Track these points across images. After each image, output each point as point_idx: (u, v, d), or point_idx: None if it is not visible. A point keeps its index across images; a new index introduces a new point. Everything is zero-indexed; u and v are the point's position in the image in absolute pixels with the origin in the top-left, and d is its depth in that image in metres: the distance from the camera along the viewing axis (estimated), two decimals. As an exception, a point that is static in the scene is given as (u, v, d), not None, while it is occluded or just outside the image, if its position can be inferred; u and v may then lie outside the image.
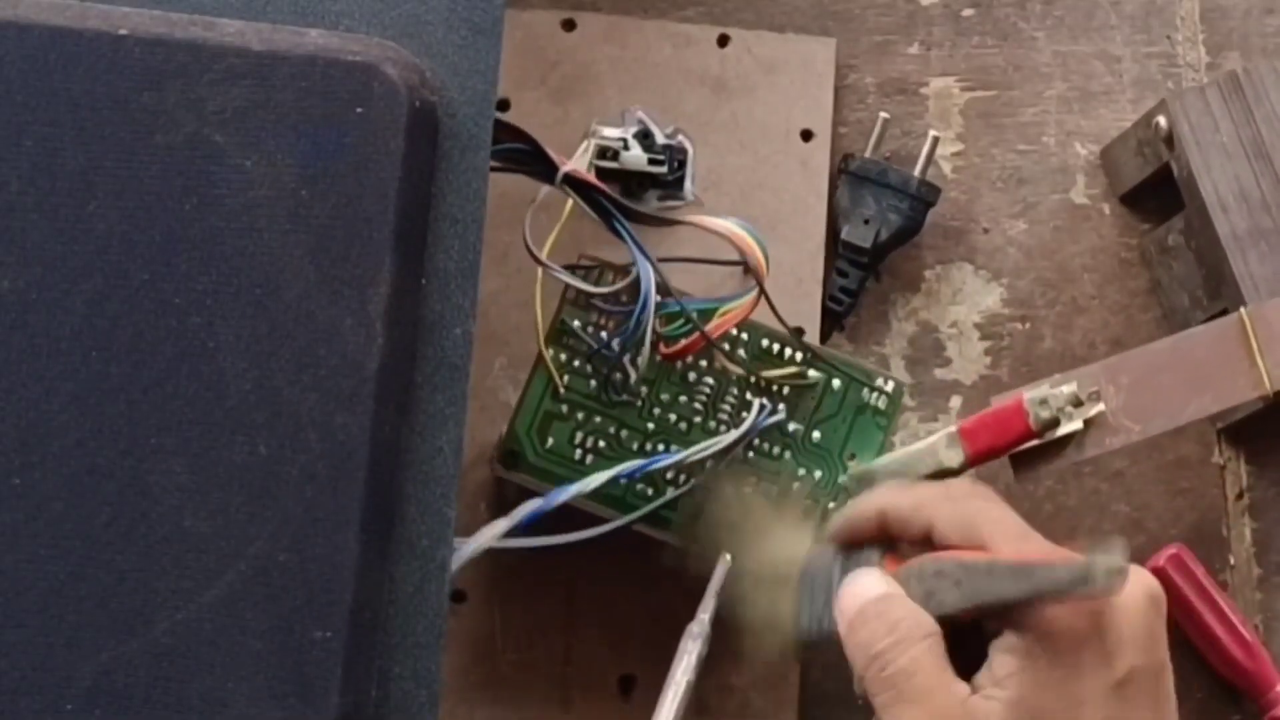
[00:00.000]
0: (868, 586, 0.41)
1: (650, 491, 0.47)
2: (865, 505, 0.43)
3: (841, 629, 0.40)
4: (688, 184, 0.54)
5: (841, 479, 0.48)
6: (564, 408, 0.47)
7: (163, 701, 0.33)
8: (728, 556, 0.47)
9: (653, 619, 0.51)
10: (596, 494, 0.47)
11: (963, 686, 0.38)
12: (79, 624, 0.33)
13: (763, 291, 0.46)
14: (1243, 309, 0.50)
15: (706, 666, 0.48)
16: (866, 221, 0.54)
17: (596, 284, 0.47)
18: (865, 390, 0.48)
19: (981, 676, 0.39)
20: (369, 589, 0.35)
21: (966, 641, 0.39)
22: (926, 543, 0.41)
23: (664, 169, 0.53)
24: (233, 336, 0.34)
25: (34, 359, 0.34)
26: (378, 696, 0.35)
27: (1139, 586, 0.39)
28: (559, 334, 0.47)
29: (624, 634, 0.51)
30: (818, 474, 0.48)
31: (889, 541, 0.42)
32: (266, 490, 0.34)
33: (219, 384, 0.34)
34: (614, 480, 0.46)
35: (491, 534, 0.44)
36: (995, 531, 0.40)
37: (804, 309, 0.53)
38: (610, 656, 0.51)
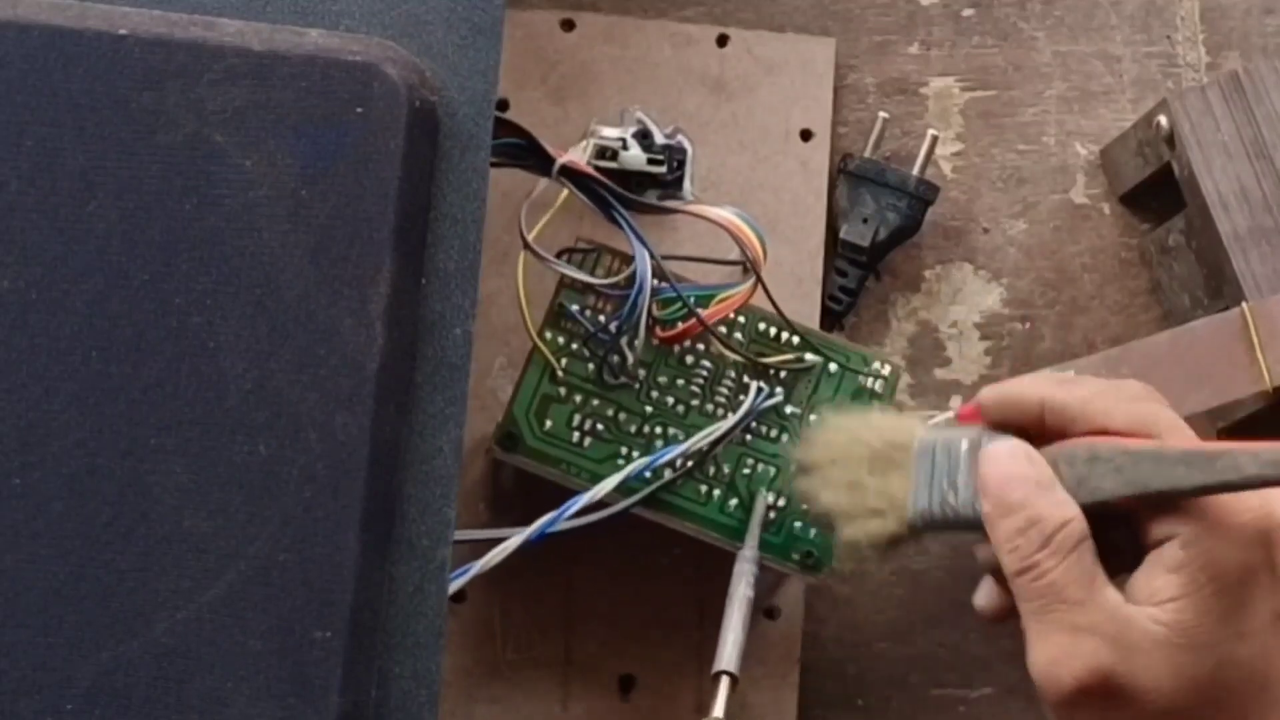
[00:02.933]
0: (1015, 463, 0.39)
1: (649, 474, 0.47)
2: (1023, 390, 0.40)
3: (986, 507, 0.39)
4: (687, 184, 0.54)
5: None
6: (562, 390, 0.48)
7: (163, 701, 0.33)
8: (765, 492, 0.47)
9: (653, 619, 0.51)
10: (596, 478, 0.47)
11: (1115, 595, 0.37)
12: (79, 624, 0.33)
13: (759, 280, 0.46)
14: (1244, 304, 0.50)
15: (705, 665, 0.48)
16: (865, 220, 0.54)
17: (594, 268, 0.47)
18: (861, 374, 0.49)
19: (1140, 585, 0.37)
20: (369, 589, 0.35)
21: (1113, 534, 0.38)
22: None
23: (663, 169, 0.53)
24: (233, 336, 0.34)
25: (34, 359, 0.34)
26: (378, 696, 0.35)
27: None
28: (557, 317, 0.48)
29: (624, 634, 0.51)
30: None
31: (1032, 436, 0.40)
32: (266, 490, 0.34)
33: (219, 384, 0.34)
34: (624, 481, 0.46)
35: (504, 550, 0.44)
36: (1172, 437, 0.38)
37: (804, 309, 0.53)
38: (610, 656, 0.51)
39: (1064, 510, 0.38)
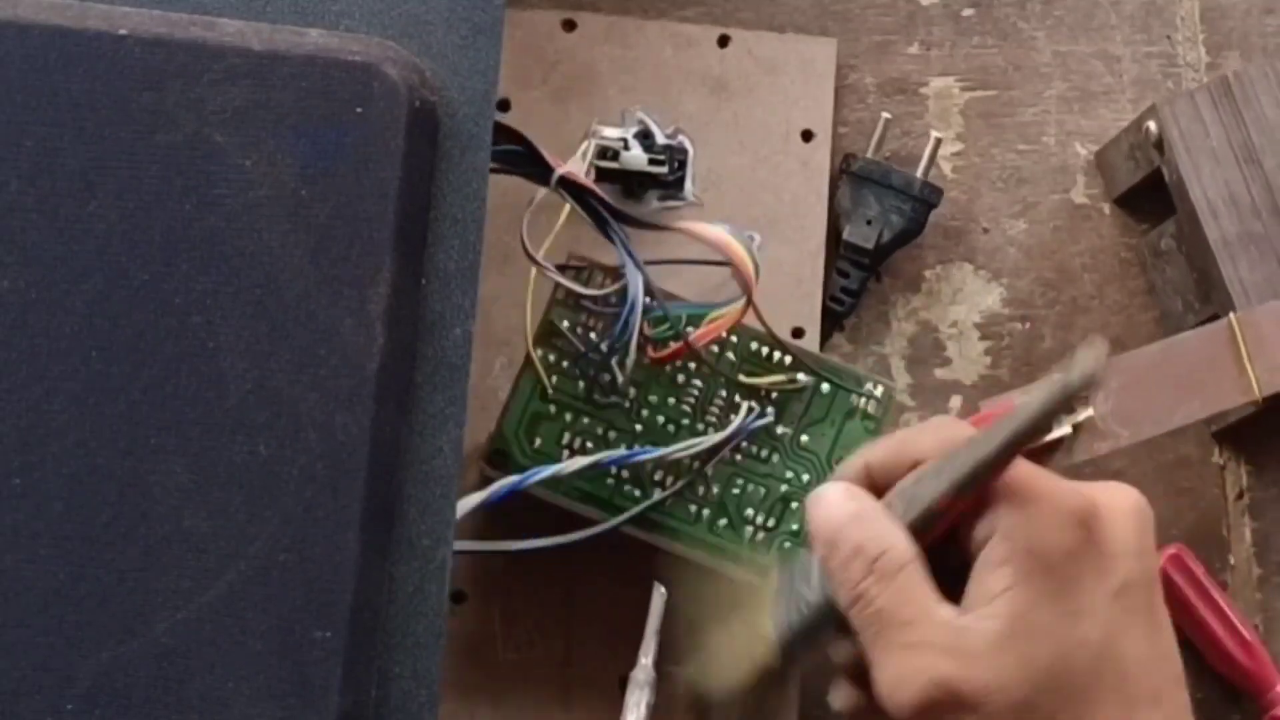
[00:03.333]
0: (838, 504, 0.39)
1: (638, 493, 0.47)
2: (846, 465, 0.41)
3: (817, 550, 0.39)
4: (688, 184, 0.54)
5: None
6: (552, 408, 0.47)
7: (163, 701, 0.33)
8: (662, 589, 0.46)
9: (653, 619, 0.51)
10: (584, 495, 0.47)
11: (949, 609, 0.37)
12: (79, 624, 0.33)
13: (750, 301, 0.46)
14: (1232, 315, 0.50)
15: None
16: (869, 222, 0.54)
17: (585, 285, 0.47)
18: (854, 395, 0.48)
19: (971, 593, 0.37)
20: (369, 589, 0.35)
21: (949, 561, 0.38)
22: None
23: (664, 169, 0.53)
24: (233, 336, 0.34)
25: (34, 359, 0.34)
26: (378, 696, 0.35)
27: (1126, 497, 0.38)
28: (547, 334, 0.47)
29: (624, 634, 0.51)
30: (805, 477, 0.48)
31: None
32: (266, 490, 0.34)
33: (219, 384, 0.34)
34: (598, 471, 0.46)
35: (465, 507, 0.44)
36: None
37: (804, 309, 0.53)
38: (610, 656, 0.51)
39: (886, 538, 0.38)
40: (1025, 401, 0.37)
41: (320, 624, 0.34)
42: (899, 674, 0.37)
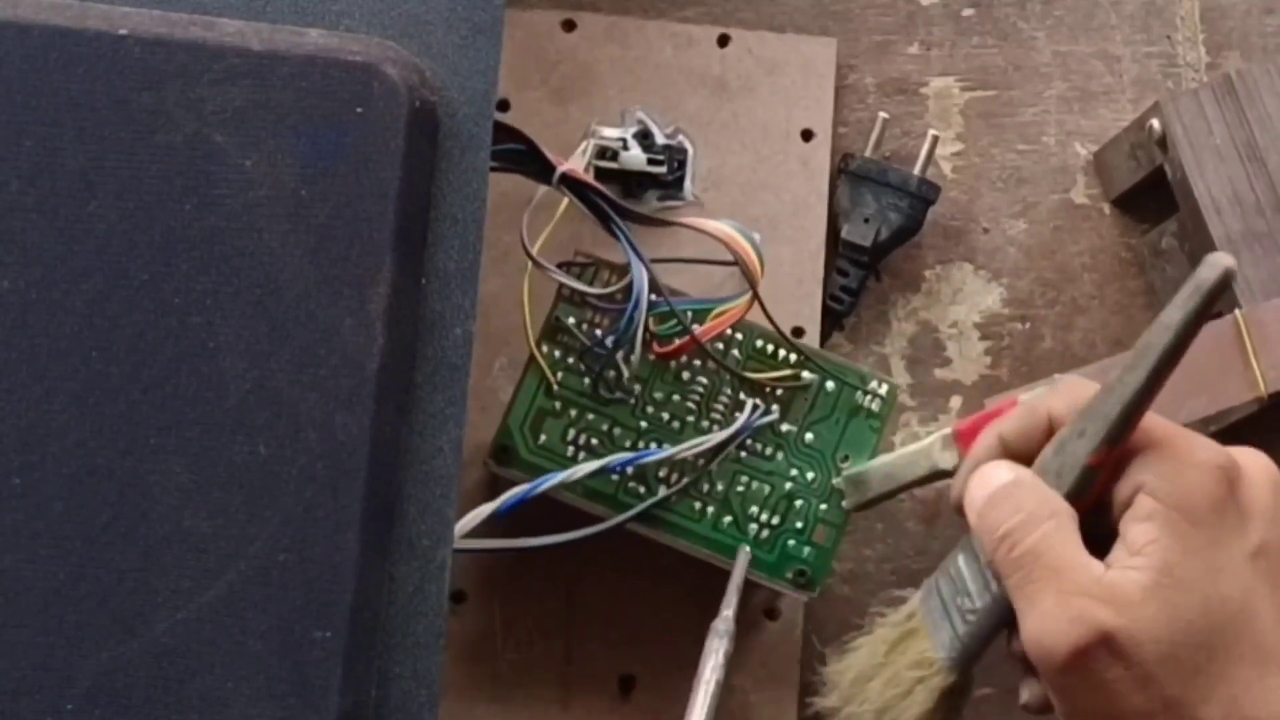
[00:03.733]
0: (994, 474, 0.40)
1: (643, 490, 0.47)
2: (982, 444, 0.41)
3: (971, 520, 0.40)
4: (688, 184, 0.54)
5: (834, 481, 0.48)
6: (557, 404, 0.47)
7: (163, 701, 0.33)
8: (746, 549, 0.47)
9: (653, 619, 0.51)
10: (590, 492, 0.47)
11: (1097, 564, 0.37)
12: (79, 624, 0.33)
13: (756, 295, 0.46)
14: (1237, 311, 0.50)
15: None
16: (867, 220, 0.54)
17: (591, 282, 0.47)
18: (859, 393, 0.48)
19: (1116, 551, 0.38)
20: (369, 589, 0.35)
21: (1101, 527, 0.39)
22: None
23: (664, 169, 0.53)
24: (233, 336, 0.34)
25: (34, 359, 0.34)
26: (378, 696, 0.35)
27: (1264, 460, 0.39)
28: (553, 330, 0.47)
29: (624, 634, 0.51)
30: (810, 475, 0.48)
31: None
32: (266, 490, 0.34)
33: (219, 384, 0.34)
34: (604, 473, 0.46)
35: (475, 519, 0.44)
36: None
37: (804, 309, 0.53)
38: (610, 656, 0.51)
39: (1040, 490, 0.39)
40: (1163, 320, 0.37)
41: (320, 624, 0.34)
42: (1051, 619, 0.37)
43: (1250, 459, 0.39)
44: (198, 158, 0.35)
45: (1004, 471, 0.40)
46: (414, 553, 0.36)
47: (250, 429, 0.34)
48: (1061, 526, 0.38)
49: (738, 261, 0.46)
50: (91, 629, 0.33)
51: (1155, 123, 0.53)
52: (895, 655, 0.42)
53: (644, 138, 0.53)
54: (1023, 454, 0.40)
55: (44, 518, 0.34)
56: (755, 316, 0.48)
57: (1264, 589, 0.37)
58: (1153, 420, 0.39)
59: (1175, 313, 0.37)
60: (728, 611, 0.46)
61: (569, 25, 0.55)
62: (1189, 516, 0.37)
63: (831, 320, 0.55)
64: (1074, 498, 0.39)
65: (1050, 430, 0.40)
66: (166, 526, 0.34)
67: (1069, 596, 0.37)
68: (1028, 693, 0.40)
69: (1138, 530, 0.37)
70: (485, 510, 0.45)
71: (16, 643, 0.33)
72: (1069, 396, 0.40)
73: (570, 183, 0.45)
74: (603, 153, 0.51)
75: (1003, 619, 0.40)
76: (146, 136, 0.35)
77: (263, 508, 0.34)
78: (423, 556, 0.36)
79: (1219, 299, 0.37)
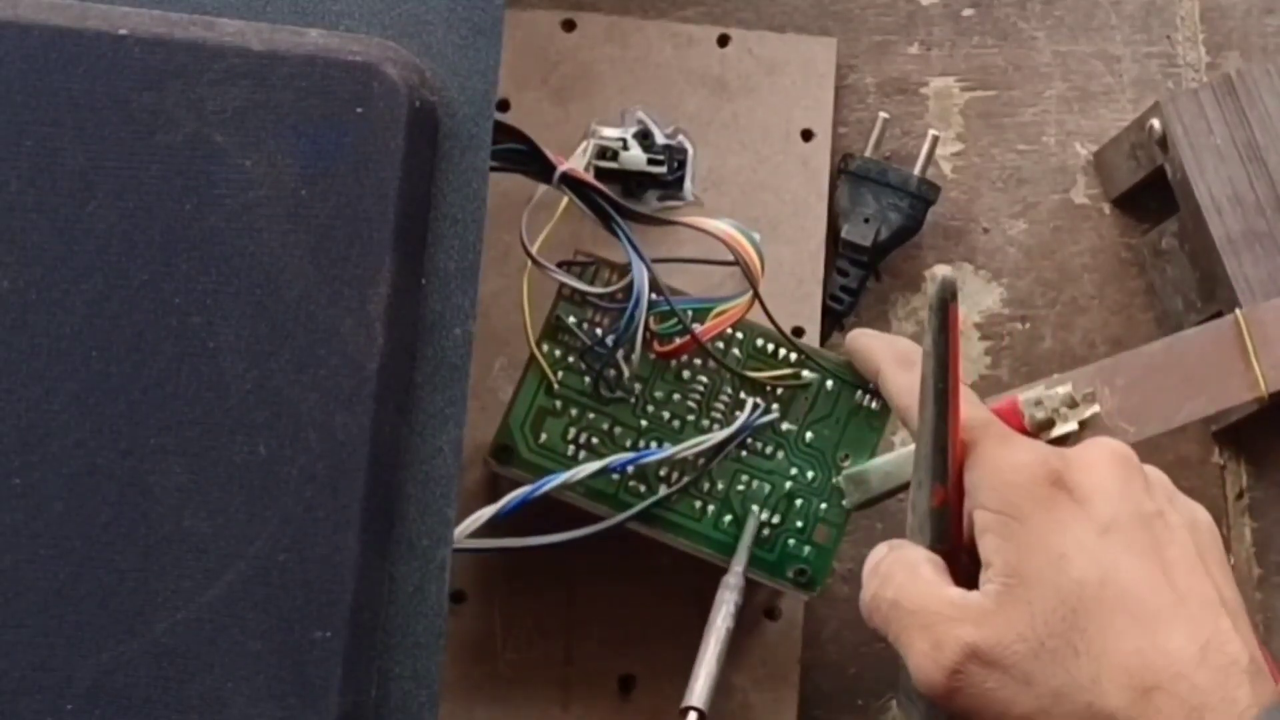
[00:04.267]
0: (873, 556, 0.42)
1: (643, 489, 0.47)
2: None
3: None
4: (688, 184, 0.54)
5: (835, 480, 0.48)
6: (557, 403, 0.47)
7: (163, 701, 0.33)
8: (757, 509, 0.47)
9: (653, 619, 0.51)
10: (590, 492, 0.47)
11: (954, 590, 0.39)
12: (79, 624, 0.33)
13: (756, 294, 0.46)
14: (1238, 310, 0.50)
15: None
16: (866, 220, 0.54)
17: (592, 281, 0.47)
18: (859, 392, 0.48)
19: (980, 575, 0.39)
20: (369, 589, 0.35)
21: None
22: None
23: (664, 169, 0.53)
24: (233, 336, 0.34)
25: (34, 359, 0.34)
26: (378, 696, 0.35)
27: (1100, 447, 0.40)
28: (554, 329, 0.47)
29: (624, 634, 0.51)
30: (810, 474, 0.48)
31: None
32: (266, 490, 0.34)
33: (219, 384, 0.34)
34: (604, 473, 0.46)
35: (476, 521, 0.44)
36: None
37: (804, 309, 0.53)
38: (610, 656, 0.51)
39: (902, 553, 0.41)
40: (924, 345, 0.39)
41: (320, 624, 0.34)
42: (923, 654, 0.38)
43: (1085, 448, 0.40)
44: (198, 158, 0.35)
45: (880, 549, 0.42)
46: (414, 553, 0.36)
47: (250, 429, 0.34)
48: (915, 573, 0.40)
49: (738, 261, 0.46)
50: (91, 629, 0.33)
51: (1155, 123, 0.53)
52: None
53: (644, 138, 0.53)
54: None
55: (44, 518, 0.34)
56: (756, 316, 0.48)
57: (1127, 559, 0.38)
58: (972, 434, 0.40)
59: (926, 337, 0.39)
60: (738, 567, 0.47)
61: (569, 25, 0.55)
62: (1017, 515, 0.39)
63: (831, 320, 0.55)
64: (940, 542, 0.40)
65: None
66: (166, 526, 0.34)
67: (930, 629, 0.38)
68: None
69: (983, 545, 0.39)
70: (486, 513, 0.45)
71: (16, 643, 0.33)
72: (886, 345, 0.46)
73: (571, 182, 0.45)
74: (603, 153, 0.51)
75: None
76: (146, 136, 0.35)
77: (263, 508, 0.34)
78: (423, 556, 0.36)
79: (951, 308, 0.39)
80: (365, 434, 0.34)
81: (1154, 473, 0.41)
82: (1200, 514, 0.40)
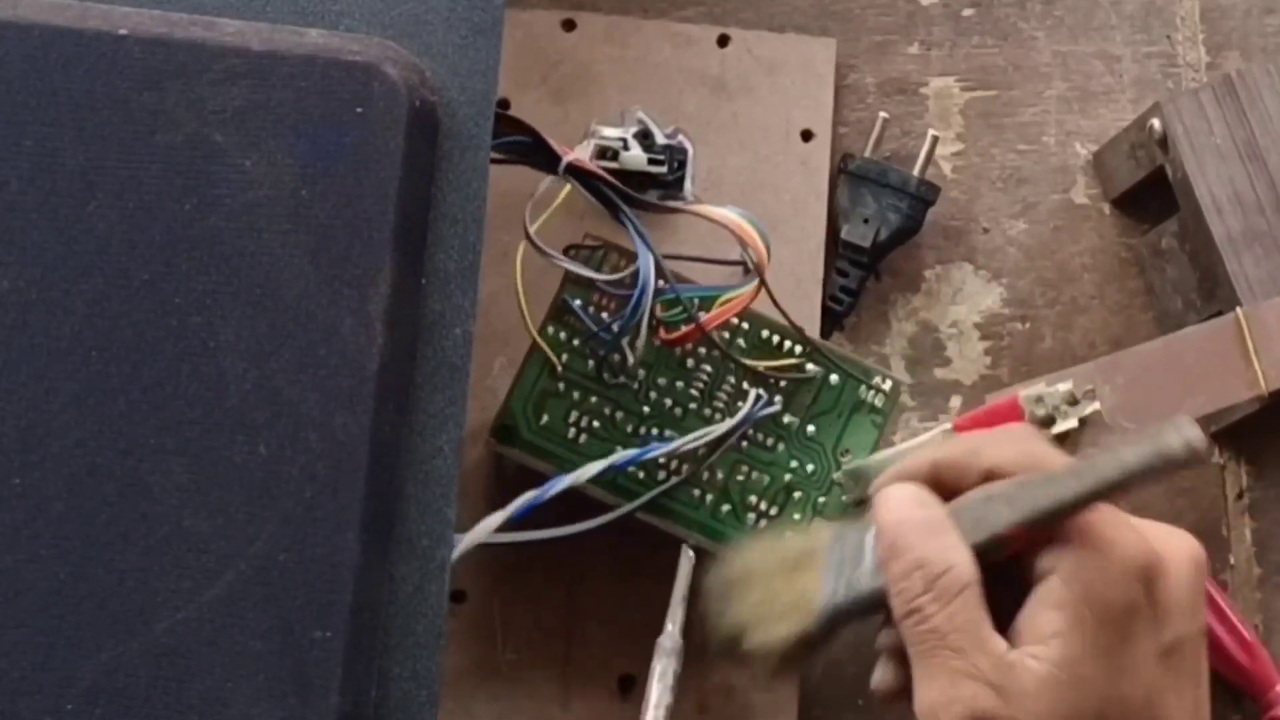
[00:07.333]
0: (907, 508, 0.39)
1: (643, 476, 0.47)
2: (915, 461, 0.40)
3: (879, 549, 0.39)
4: (687, 184, 0.54)
5: (835, 475, 0.48)
6: (561, 386, 0.48)
7: (163, 701, 0.33)
8: (690, 552, 0.46)
9: (653, 619, 0.51)
10: (593, 480, 0.47)
11: (1000, 642, 0.37)
12: (79, 624, 0.33)
13: (763, 282, 0.46)
14: (1239, 309, 0.50)
15: (705, 667, 0.48)
16: (866, 221, 0.54)
17: (600, 265, 0.47)
18: (863, 387, 0.48)
19: (1023, 625, 0.37)
20: (369, 589, 0.35)
21: (1006, 578, 0.38)
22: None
23: (664, 169, 0.53)
24: (233, 336, 0.34)
25: (34, 359, 0.34)
26: (378, 696, 0.35)
27: (1188, 548, 0.38)
28: (559, 312, 0.48)
29: (624, 634, 0.51)
30: (810, 467, 0.48)
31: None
32: (266, 490, 0.34)
33: (219, 384, 0.34)
34: (610, 470, 0.46)
35: (486, 528, 0.44)
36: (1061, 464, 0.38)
37: (804, 309, 0.53)
38: (610, 656, 0.51)
39: (950, 555, 0.37)
40: (1122, 457, 0.36)
41: (320, 624, 0.34)
42: (943, 695, 0.37)
43: (1175, 549, 0.38)
44: (198, 158, 0.35)
45: (914, 507, 0.39)
46: (414, 553, 0.36)
47: (250, 429, 0.34)
48: (968, 604, 0.37)
49: (744, 248, 0.46)
50: (91, 629, 0.33)
51: (1155, 123, 0.53)
52: (784, 578, 0.41)
53: (644, 138, 0.53)
54: (948, 488, 0.40)
55: (44, 518, 0.34)
56: (760, 307, 0.48)
57: (1174, 686, 0.37)
58: (1090, 513, 0.38)
59: (1132, 459, 0.36)
60: (672, 626, 0.44)
61: (569, 25, 0.55)
62: (1099, 615, 0.36)
63: (831, 320, 0.55)
64: (980, 554, 0.38)
65: (984, 477, 0.39)
66: (166, 526, 0.34)
67: (963, 679, 0.36)
68: (879, 678, 0.40)
69: (1045, 617, 0.37)
70: (496, 520, 0.44)
71: (16, 643, 0.33)
72: (1015, 449, 0.39)
73: (576, 172, 0.45)
74: (603, 153, 0.51)
75: (876, 610, 0.39)
76: (146, 136, 0.35)
77: (263, 508, 0.34)
78: (423, 556, 0.36)
79: (1175, 472, 0.36)
80: (365, 434, 0.34)
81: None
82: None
